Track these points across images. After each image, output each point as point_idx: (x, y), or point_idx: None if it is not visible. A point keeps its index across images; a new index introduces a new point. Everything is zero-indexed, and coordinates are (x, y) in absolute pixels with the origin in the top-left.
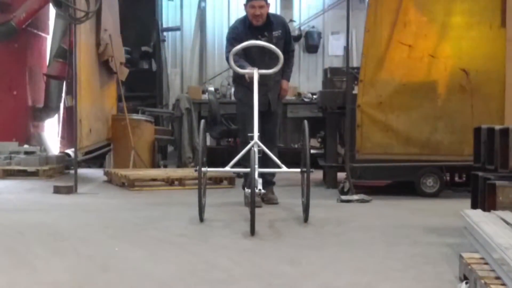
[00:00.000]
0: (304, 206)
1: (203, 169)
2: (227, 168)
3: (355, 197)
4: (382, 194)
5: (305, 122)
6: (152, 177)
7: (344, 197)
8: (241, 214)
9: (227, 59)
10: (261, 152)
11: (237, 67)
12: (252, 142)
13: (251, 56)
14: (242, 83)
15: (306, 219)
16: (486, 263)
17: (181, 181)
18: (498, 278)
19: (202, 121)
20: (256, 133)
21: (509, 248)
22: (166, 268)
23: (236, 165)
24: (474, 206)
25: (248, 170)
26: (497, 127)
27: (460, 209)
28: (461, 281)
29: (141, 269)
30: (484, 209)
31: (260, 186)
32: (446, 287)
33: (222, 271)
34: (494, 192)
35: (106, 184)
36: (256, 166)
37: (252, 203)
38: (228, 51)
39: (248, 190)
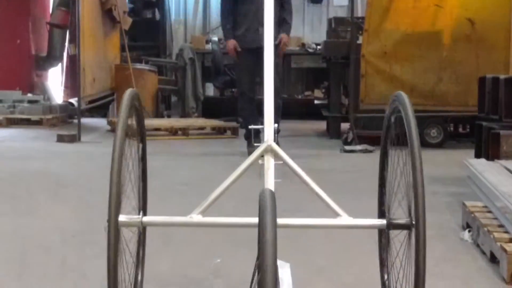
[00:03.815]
0: None
1: (128, 218)
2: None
3: (358, 147)
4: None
5: (405, 98)
6: (155, 127)
7: (347, 147)
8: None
9: None
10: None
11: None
12: (262, 146)
13: None
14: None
15: None
16: (489, 211)
17: (184, 131)
18: (501, 226)
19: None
20: (271, 129)
21: None
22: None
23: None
24: (477, 155)
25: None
26: (502, 76)
27: (464, 159)
28: (464, 229)
29: None
30: (488, 159)
31: None
32: (450, 235)
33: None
34: (498, 142)
35: (109, 133)
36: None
37: None
38: None
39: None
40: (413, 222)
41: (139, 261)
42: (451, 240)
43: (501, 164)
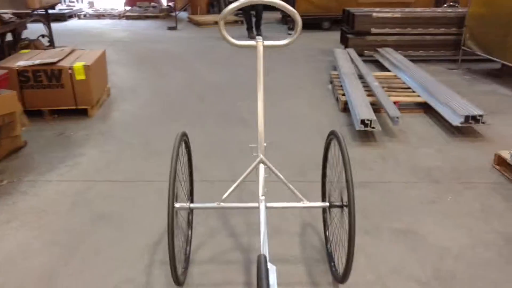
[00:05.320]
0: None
1: (181, 205)
2: (222, 204)
3: (291, 32)
4: (307, 29)
5: (339, 135)
6: (206, 22)
7: (289, 32)
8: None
9: None
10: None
11: None
12: (257, 160)
13: None
14: None
15: (342, 281)
16: (338, 77)
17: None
18: (341, 86)
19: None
20: (262, 146)
21: (347, 73)
22: (218, 76)
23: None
24: (342, 41)
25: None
26: (351, 10)
27: (337, 42)
28: (329, 83)
29: (205, 77)
30: (344, 45)
31: None
32: (324, 85)
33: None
34: (347, 40)
35: (188, 23)
36: (266, 252)
37: None
38: None
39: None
40: (345, 204)
41: (189, 226)
42: (324, 88)
43: (348, 52)
